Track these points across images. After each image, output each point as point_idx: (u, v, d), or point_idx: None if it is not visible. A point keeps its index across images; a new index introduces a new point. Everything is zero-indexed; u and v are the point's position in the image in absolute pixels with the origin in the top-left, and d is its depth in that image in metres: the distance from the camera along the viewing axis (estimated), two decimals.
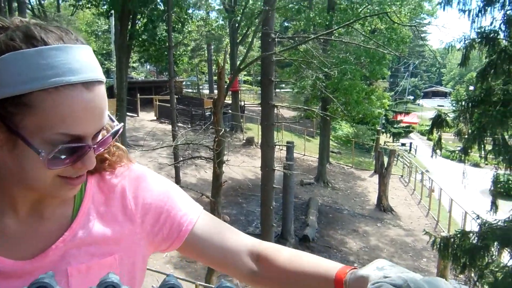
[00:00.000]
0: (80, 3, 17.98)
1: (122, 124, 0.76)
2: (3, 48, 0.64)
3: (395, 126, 34.73)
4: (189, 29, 24.15)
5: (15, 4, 14.87)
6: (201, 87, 41.44)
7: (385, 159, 17.66)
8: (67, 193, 0.73)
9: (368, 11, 17.03)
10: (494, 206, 6.13)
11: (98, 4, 17.29)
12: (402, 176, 23.34)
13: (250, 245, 0.90)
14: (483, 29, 6.43)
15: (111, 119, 0.76)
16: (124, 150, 0.88)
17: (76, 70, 0.65)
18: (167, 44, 15.08)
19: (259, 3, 20.11)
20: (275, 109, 10.55)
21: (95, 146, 0.70)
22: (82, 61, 0.67)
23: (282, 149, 12.51)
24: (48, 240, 0.78)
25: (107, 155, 0.84)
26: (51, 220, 0.79)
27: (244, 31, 22.92)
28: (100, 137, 0.73)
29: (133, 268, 0.85)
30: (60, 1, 29.38)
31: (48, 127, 0.64)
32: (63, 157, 0.67)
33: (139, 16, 17.78)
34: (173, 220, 0.86)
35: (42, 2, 30.00)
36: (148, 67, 43.22)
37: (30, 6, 25.04)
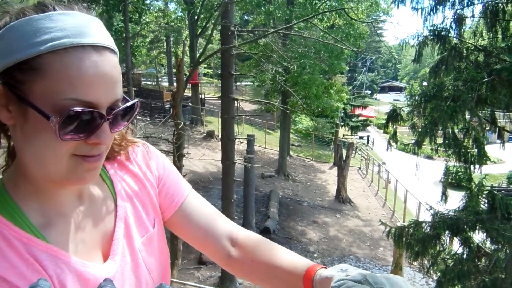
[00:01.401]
0: None
1: (138, 100, 0.73)
2: (13, 18, 0.63)
3: (353, 119, 35.54)
4: (147, 20, 23.64)
5: None
6: (160, 79, 40.71)
7: (344, 152, 18.08)
8: (85, 175, 0.68)
9: (327, 6, 17.26)
10: (444, 196, 6.41)
11: None
12: (360, 168, 24.00)
13: (230, 230, 0.94)
14: (435, 27, 6.66)
15: (125, 98, 0.71)
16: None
17: (86, 33, 0.63)
18: (124, 35, 14.69)
19: None
20: (235, 102, 10.53)
21: (110, 118, 0.66)
22: (93, 27, 0.65)
23: (242, 142, 12.53)
24: (108, 224, 0.80)
25: (120, 139, 0.85)
26: (99, 204, 0.80)
27: (204, 24, 22.65)
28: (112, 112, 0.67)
29: (162, 227, 0.91)
30: None
31: (57, 91, 0.60)
32: (74, 126, 0.62)
33: (94, 5, 17.19)
34: (167, 190, 0.91)
35: None
36: None
37: None
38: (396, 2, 6.95)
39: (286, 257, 0.87)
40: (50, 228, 0.71)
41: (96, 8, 17.54)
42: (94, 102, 0.63)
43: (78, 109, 0.61)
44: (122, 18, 15.93)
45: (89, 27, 0.64)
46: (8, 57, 0.61)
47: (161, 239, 0.89)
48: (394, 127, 7.74)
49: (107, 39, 0.66)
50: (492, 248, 5.61)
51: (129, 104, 0.70)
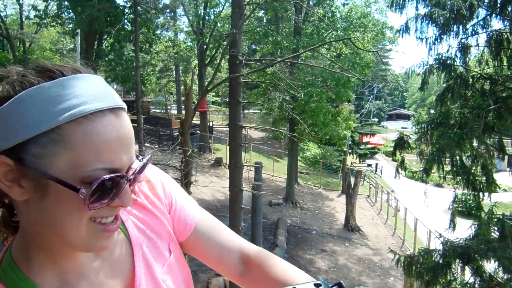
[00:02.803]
0: (45, 22, 17.69)
1: (150, 156, 0.72)
2: (16, 89, 0.58)
3: (361, 147, 35.48)
4: (157, 49, 24.13)
5: None
6: (169, 107, 41.21)
7: (352, 180, 17.97)
8: (103, 242, 0.67)
9: (333, 36, 17.56)
10: (452, 224, 6.34)
11: (64, 23, 17.06)
12: (368, 196, 23.78)
13: (241, 247, 0.96)
14: (440, 56, 6.77)
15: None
16: None
17: (101, 97, 0.61)
18: (134, 64, 14.99)
19: (227, 26, 20.40)
20: (243, 130, 10.61)
21: (131, 178, 0.65)
22: (103, 89, 0.63)
23: (250, 170, 12.52)
24: (127, 264, 0.79)
25: None
26: (115, 249, 0.79)
27: (212, 53, 23.12)
28: (131, 171, 0.66)
29: (179, 249, 0.92)
30: (23, 19, 28.80)
31: (84, 163, 0.58)
32: (100, 193, 0.60)
33: (106, 36, 17.63)
34: (179, 215, 0.92)
35: (4, 19, 29.38)
36: (115, 86, 42.72)
37: None
38: (401, 32, 7.07)
39: (296, 274, 0.88)
40: None
41: (108, 38, 17.98)
42: (119, 168, 0.62)
43: (107, 177, 0.59)
44: (133, 48, 16.29)
45: (101, 90, 0.62)
46: (22, 131, 0.56)
47: (179, 260, 0.90)
48: (402, 154, 7.75)
49: (118, 98, 0.64)
50: (505, 277, 5.50)
51: (145, 161, 0.69)
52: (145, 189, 0.87)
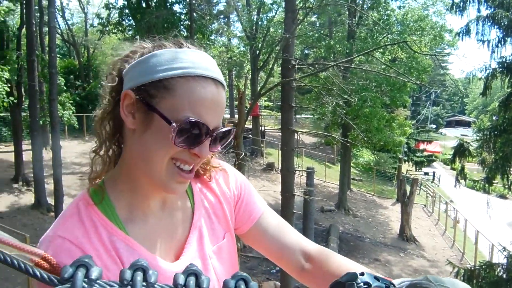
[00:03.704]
0: (107, 29, 18.62)
1: (234, 128, 0.87)
2: (155, 49, 0.83)
3: (417, 154, 34.25)
4: (211, 55, 24.60)
5: (46, 29, 15.52)
6: None
7: (408, 188, 17.38)
8: (175, 186, 0.83)
9: (388, 40, 17.13)
10: None
11: (124, 30, 17.86)
12: (425, 205, 22.87)
13: (302, 244, 1.03)
14: (504, 59, 6.41)
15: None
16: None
17: (210, 69, 0.81)
18: None
19: (280, 30, 20.47)
20: (295, 134, 10.59)
21: (213, 135, 0.80)
22: (214, 66, 0.83)
23: (302, 175, 12.46)
24: (185, 230, 0.93)
25: (206, 163, 0.99)
26: (179, 212, 0.95)
27: (265, 58, 23.28)
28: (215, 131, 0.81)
29: (234, 242, 1.02)
30: (88, 27, 30.50)
31: (180, 108, 0.77)
32: (186, 136, 0.77)
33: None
34: (245, 207, 1.04)
35: (71, 27, 31.25)
36: None
37: (59, 31, 26.16)
38: (461, 35, 6.78)
39: (356, 268, 0.90)
40: (133, 224, 0.86)
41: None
42: (205, 122, 0.78)
43: (193, 119, 0.77)
44: None
45: (212, 65, 0.83)
46: (148, 75, 0.78)
47: (231, 252, 1.00)
48: (462, 162, 7.42)
49: (222, 77, 0.83)
50: None
51: (228, 128, 0.84)
52: (219, 177, 1.03)
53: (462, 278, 5.92)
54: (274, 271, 11.90)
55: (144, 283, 0.52)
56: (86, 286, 0.50)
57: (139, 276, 0.52)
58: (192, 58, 0.81)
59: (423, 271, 14.16)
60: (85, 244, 0.78)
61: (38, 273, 0.53)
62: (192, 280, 0.54)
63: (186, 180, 0.84)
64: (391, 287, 0.58)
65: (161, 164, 0.80)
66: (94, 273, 0.52)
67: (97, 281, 0.51)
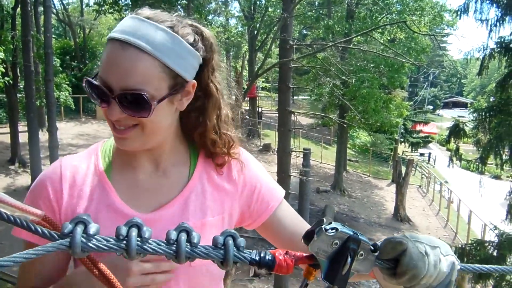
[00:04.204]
0: (103, 9, 18.37)
1: (143, 94, 0.84)
2: None
3: (413, 135, 34.36)
4: None
5: (41, 8, 15.33)
6: None
7: (403, 169, 17.50)
8: (118, 141, 0.91)
9: (387, 20, 16.99)
10: (509, 215, 6.06)
11: (121, 10, 17.64)
12: (420, 186, 23.08)
13: None
14: (502, 39, 6.40)
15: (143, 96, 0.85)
16: (233, 138, 1.03)
17: (125, 31, 0.83)
18: None
19: (278, 10, 20.27)
20: (292, 115, 10.61)
21: (114, 96, 0.83)
22: (137, 29, 0.83)
23: (299, 156, 12.53)
24: (169, 194, 0.97)
25: (217, 138, 1.00)
26: (172, 177, 0.99)
27: (263, 38, 23.10)
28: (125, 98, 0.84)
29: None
30: (83, 6, 30.07)
31: (100, 67, 0.84)
32: (93, 92, 0.85)
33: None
34: (262, 197, 1.05)
35: (67, 7, 30.80)
36: None
37: (55, 11, 25.79)
38: (459, 13, 6.75)
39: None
40: (120, 174, 0.97)
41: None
42: (106, 81, 0.83)
43: (88, 78, 0.85)
44: None
45: (130, 27, 0.83)
46: None
47: (210, 232, 0.98)
48: (457, 143, 7.47)
49: (142, 40, 0.82)
50: None
51: (133, 92, 0.83)
52: (233, 165, 1.04)
53: None
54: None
55: (139, 238, 0.56)
56: (84, 240, 0.54)
57: (134, 232, 0.56)
58: (121, 23, 0.85)
59: None
60: (68, 172, 0.95)
61: (39, 230, 0.57)
62: (183, 236, 0.58)
63: (121, 136, 0.89)
64: (358, 234, 0.62)
65: (109, 122, 0.89)
66: (92, 229, 0.56)
67: (95, 236, 0.55)
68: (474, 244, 5.97)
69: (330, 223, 0.63)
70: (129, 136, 0.88)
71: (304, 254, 0.66)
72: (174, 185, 0.98)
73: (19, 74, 14.83)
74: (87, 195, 0.93)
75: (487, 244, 5.83)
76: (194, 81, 0.93)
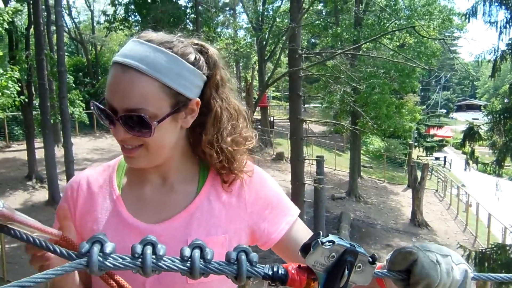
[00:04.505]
0: (114, 26, 18.71)
1: (143, 115, 0.87)
2: None
3: (427, 140, 34.00)
4: (218, 47, 24.57)
5: (53, 28, 15.65)
6: None
7: (419, 174, 17.30)
8: (127, 159, 0.95)
9: (396, 26, 16.95)
10: None
11: (131, 26, 17.94)
12: (437, 190, 22.77)
13: None
14: None
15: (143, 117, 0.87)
16: (235, 154, 1.01)
17: (126, 55, 0.87)
18: None
19: (286, 20, 20.37)
20: (304, 123, 10.61)
21: (117, 118, 0.87)
22: (137, 51, 0.87)
23: (312, 164, 12.48)
24: (175, 209, 0.98)
25: (213, 152, 0.99)
26: (179, 193, 1.00)
27: (272, 48, 23.21)
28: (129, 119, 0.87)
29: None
30: (94, 24, 30.64)
31: (105, 90, 0.89)
32: (101, 115, 0.90)
33: None
34: (273, 219, 1.03)
35: (78, 25, 31.40)
36: None
37: (67, 30, 26.33)
38: (468, 16, 6.71)
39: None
40: (129, 188, 1.02)
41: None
42: (111, 103, 0.87)
43: (95, 102, 0.90)
44: None
45: (130, 50, 0.87)
46: None
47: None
48: (472, 146, 7.38)
49: (141, 62, 0.85)
50: None
51: (131, 113, 0.86)
52: (244, 183, 1.02)
53: (473, 260, 5.94)
54: None
55: (154, 256, 0.58)
56: (101, 259, 0.56)
57: (149, 250, 0.58)
58: (123, 47, 0.89)
59: None
60: (84, 187, 1.03)
61: (58, 250, 0.59)
62: (197, 253, 0.59)
63: (129, 155, 0.92)
64: (355, 246, 0.63)
65: (118, 142, 0.92)
66: (108, 248, 0.57)
67: (111, 255, 0.57)
68: (495, 248, 5.86)
69: (327, 236, 0.63)
70: (136, 155, 0.92)
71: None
72: (180, 201, 0.99)
73: (34, 92, 15.15)
74: (98, 204, 0.99)
75: (508, 248, 5.72)
76: (197, 99, 0.94)
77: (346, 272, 0.61)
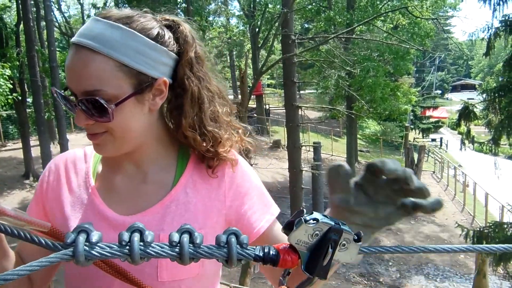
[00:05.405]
0: None
1: (112, 108, 0.81)
2: None
3: (423, 121, 34.03)
4: (210, 36, 24.47)
5: (43, 23, 15.48)
6: None
7: (415, 156, 17.36)
8: (94, 148, 0.90)
9: (389, 7, 16.84)
10: None
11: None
12: (434, 172, 22.88)
13: None
14: (507, 17, 6.30)
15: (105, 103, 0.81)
16: (222, 135, 0.94)
17: (81, 34, 0.81)
18: None
19: (278, 6, 20.21)
20: (300, 110, 10.59)
21: (75, 104, 0.82)
22: (91, 29, 0.81)
23: (309, 150, 12.50)
24: (149, 201, 0.92)
25: (196, 135, 0.92)
26: (154, 184, 0.94)
27: (265, 35, 23.08)
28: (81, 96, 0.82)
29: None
30: (85, 18, 30.28)
31: None
32: (64, 102, 0.85)
33: None
34: (251, 217, 0.96)
35: (69, 20, 31.05)
36: None
37: (57, 24, 26.02)
38: None
39: None
40: (101, 176, 0.97)
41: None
42: (70, 88, 0.83)
43: (56, 89, 0.85)
44: None
45: (85, 29, 0.82)
46: None
47: None
48: (467, 125, 7.39)
49: (93, 40, 0.79)
50: None
51: (87, 98, 0.80)
52: (226, 176, 0.96)
53: (471, 239, 5.99)
54: None
55: (141, 243, 0.56)
56: (87, 248, 0.54)
57: (136, 237, 0.56)
58: (82, 27, 0.84)
59: (434, 236, 14.28)
60: (61, 170, 0.98)
61: (43, 241, 0.58)
62: (186, 237, 0.58)
63: (94, 142, 0.88)
64: (340, 224, 0.61)
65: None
66: (94, 237, 0.56)
67: (98, 244, 0.55)
68: (493, 227, 5.91)
69: (312, 213, 0.61)
70: (101, 141, 0.86)
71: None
72: (155, 192, 0.93)
73: (26, 90, 15.03)
74: (72, 190, 0.95)
75: (505, 226, 5.76)
76: (164, 77, 0.87)
77: (330, 250, 0.60)
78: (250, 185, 0.99)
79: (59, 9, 28.53)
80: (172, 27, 0.91)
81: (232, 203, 0.95)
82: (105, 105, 0.79)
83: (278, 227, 0.99)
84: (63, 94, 0.84)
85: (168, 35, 0.89)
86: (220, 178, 0.95)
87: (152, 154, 0.95)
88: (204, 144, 0.92)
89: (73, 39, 0.81)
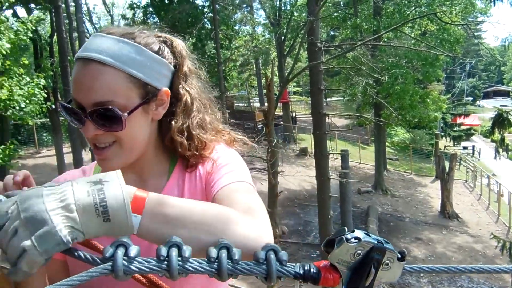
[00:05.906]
0: None
1: (125, 117, 0.85)
2: None
3: (454, 129, 33.23)
4: (237, 45, 24.66)
5: (75, 34, 15.98)
6: (251, 100, 41.92)
7: (447, 164, 16.91)
8: (99, 164, 0.92)
9: (417, 13, 16.57)
10: None
11: (150, 28, 18.12)
12: (466, 181, 22.22)
13: None
14: None
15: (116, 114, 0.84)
16: (207, 140, 1.00)
17: (87, 49, 0.85)
18: (216, 61, 15.52)
19: (303, 14, 20.21)
20: (327, 118, 10.51)
21: (86, 115, 0.84)
22: (97, 44, 0.85)
23: (337, 158, 12.38)
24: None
25: (183, 140, 0.97)
26: (150, 188, 0.91)
27: (291, 43, 23.09)
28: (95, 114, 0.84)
29: None
30: None
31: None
32: (69, 114, 0.87)
33: (187, 36, 18.40)
34: (210, 182, 0.97)
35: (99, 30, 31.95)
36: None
37: (88, 35, 26.82)
38: (493, 0, 6.49)
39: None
40: None
41: (190, 38, 18.82)
42: (77, 100, 0.85)
43: (63, 103, 0.87)
44: (214, 45, 16.85)
45: (91, 44, 0.86)
46: None
47: None
48: (501, 133, 7.16)
49: (101, 54, 0.83)
50: None
51: (99, 106, 0.83)
52: (206, 170, 0.99)
53: (508, 251, 5.76)
54: (315, 255, 11.93)
55: (179, 258, 0.56)
56: (126, 263, 0.54)
57: (174, 251, 0.56)
58: (86, 43, 0.88)
59: (467, 247, 13.84)
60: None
61: (82, 255, 0.58)
62: (224, 253, 0.57)
63: (102, 157, 0.89)
64: (383, 243, 0.58)
65: (90, 143, 0.90)
66: (132, 251, 0.56)
67: (136, 258, 0.55)
68: None
69: (353, 231, 0.59)
70: (109, 155, 0.89)
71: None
72: (154, 183, 1.00)
73: (59, 98, 15.51)
74: None
75: None
76: (166, 88, 0.94)
77: (373, 270, 0.58)
78: (222, 162, 0.98)
79: (90, 20, 29.47)
80: (167, 42, 0.99)
81: (206, 182, 0.98)
82: (119, 114, 0.84)
83: (233, 189, 0.90)
84: (69, 106, 0.87)
85: (166, 49, 0.97)
86: (199, 170, 1.00)
87: (150, 162, 1.01)
88: (190, 149, 0.97)
89: (80, 54, 0.85)
